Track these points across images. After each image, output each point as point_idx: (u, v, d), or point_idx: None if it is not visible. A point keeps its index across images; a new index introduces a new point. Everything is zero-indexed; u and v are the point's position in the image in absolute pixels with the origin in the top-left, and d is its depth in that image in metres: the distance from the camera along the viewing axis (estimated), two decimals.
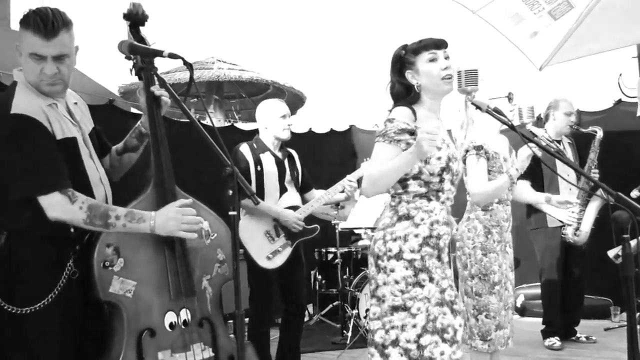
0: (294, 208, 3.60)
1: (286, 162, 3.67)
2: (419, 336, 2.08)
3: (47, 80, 1.99)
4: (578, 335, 4.70)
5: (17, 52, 2.02)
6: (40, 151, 1.94)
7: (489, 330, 2.93)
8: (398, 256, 2.13)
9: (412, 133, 2.14)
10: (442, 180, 2.17)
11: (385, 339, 2.11)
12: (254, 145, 3.61)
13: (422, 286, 2.11)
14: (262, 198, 3.52)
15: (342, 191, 3.60)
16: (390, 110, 2.23)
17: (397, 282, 2.12)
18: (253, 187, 3.51)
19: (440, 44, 2.23)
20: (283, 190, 3.61)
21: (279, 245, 3.52)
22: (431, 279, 2.13)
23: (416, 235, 2.13)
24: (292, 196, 3.66)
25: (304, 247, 3.73)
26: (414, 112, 2.18)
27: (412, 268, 2.11)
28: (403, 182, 2.21)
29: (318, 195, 3.69)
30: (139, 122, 2.34)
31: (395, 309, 2.12)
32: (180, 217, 2.03)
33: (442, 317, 2.13)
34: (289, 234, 3.55)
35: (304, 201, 3.72)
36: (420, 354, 2.07)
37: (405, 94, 2.25)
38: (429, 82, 2.21)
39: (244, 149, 3.57)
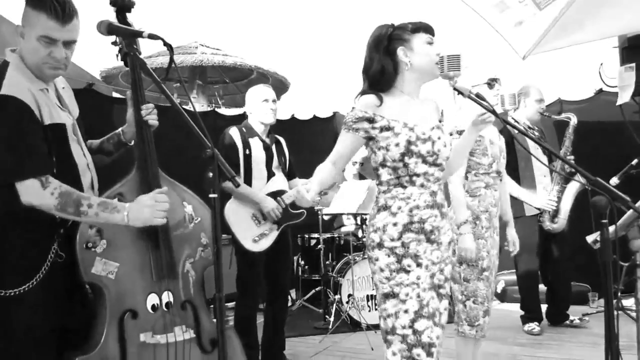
0: (281, 192, 3.64)
1: (274, 147, 3.71)
2: (413, 321, 2.09)
3: (53, 64, 1.99)
4: (571, 318, 4.77)
5: (17, 32, 2.00)
6: (21, 135, 1.91)
7: (477, 316, 2.96)
8: (380, 245, 2.16)
9: (371, 121, 2.15)
10: (406, 165, 2.14)
11: (387, 326, 2.15)
12: (243, 129, 3.64)
13: (407, 272, 2.12)
14: (250, 182, 3.58)
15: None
16: (358, 98, 2.22)
17: (382, 270, 2.15)
18: (241, 170, 3.55)
19: (434, 32, 2.23)
20: (270, 174, 3.65)
21: (265, 229, 3.56)
22: (419, 264, 2.13)
23: (395, 224, 2.14)
24: (279, 181, 3.70)
25: None
26: (380, 98, 2.16)
27: (394, 255, 2.13)
28: (376, 171, 2.24)
29: (300, 183, 3.71)
30: (120, 130, 2.34)
31: (386, 296, 2.14)
32: (153, 203, 2.01)
33: (432, 301, 2.15)
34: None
35: (289, 187, 3.75)
36: (418, 339, 2.08)
37: (379, 75, 2.20)
38: (424, 63, 2.18)
39: (233, 132, 3.60)
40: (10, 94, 1.91)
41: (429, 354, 2.08)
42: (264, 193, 3.58)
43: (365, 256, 2.26)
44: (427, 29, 2.21)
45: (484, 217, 3.01)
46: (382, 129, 2.15)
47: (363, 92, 2.22)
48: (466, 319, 2.97)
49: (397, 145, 2.13)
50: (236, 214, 3.51)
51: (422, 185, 2.17)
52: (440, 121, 2.32)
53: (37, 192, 1.90)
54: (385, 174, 2.19)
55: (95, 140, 2.37)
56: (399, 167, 2.15)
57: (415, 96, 2.27)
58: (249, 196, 3.52)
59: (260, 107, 3.63)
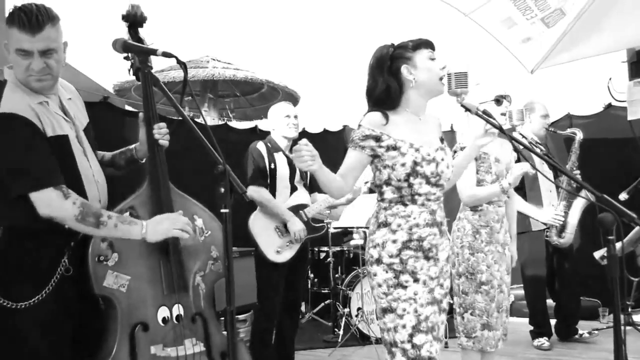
0: (303, 206, 3.72)
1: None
2: (411, 336, 2.11)
3: (35, 75, 1.99)
4: (580, 332, 4.74)
5: (6, 50, 2.01)
6: (30, 148, 1.94)
7: (474, 328, 2.97)
8: (378, 261, 2.19)
9: (378, 139, 2.17)
10: (410, 185, 2.17)
11: (388, 339, 2.17)
12: (268, 144, 3.73)
13: (404, 287, 2.14)
14: (274, 195, 3.66)
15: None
16: (365, 115, 2.24)
17: (379, 285, 2.18)
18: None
19: (434, 47, 2.26)
20: (293, 189, 3.73)
21: (288, 240, 3.61)
22: (416, 280, 2.15)
23: (394, 242, 2.17)
24: (302, 195, 3.77)
25: None
26: (386, 117, 2.18)
27: (392, 271, 2.15)
28: (379, 188, 2.26)
29: (321, 199, 3.80)
30: (133, 147, 2.36)
31: (384, 311, 2.17)
32: (173, 217, 2.07)
33: (433, 316, 2.17)
34: None
35: (311, 202, 3.83)
36: (418, 354, 2.10)
37: (385, 95, 2.21)
38: (428, 79, 2.21)
39: (261, 146, 3.69)
40: (12, 111, 1.94)
41: None
42: (287, 207, 3.65)
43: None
44: (428, 45, 2.24)
45: (484, 231, 3.02)
46: (388, 148, 2.18)
47: (370, 110, 2.25)
48: (463, 331, 2.99)
49: (403, 165, 2.16)
50: (260, 225, 3.58)
51: (422, 204, 2.21)
52: (442, 140, 2.34)
53: (59, 203, 1.93)
54: (389, 192, 2.22)
55: (107, 153, 2.40)
56: (404, 186, 2.18)
57: (421, 114, 2.29)
58: (277, 212, 3.60)
59: (283, 122, 3.73)
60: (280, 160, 3.70)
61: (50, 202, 1.93)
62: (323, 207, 3.75)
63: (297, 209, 3.68)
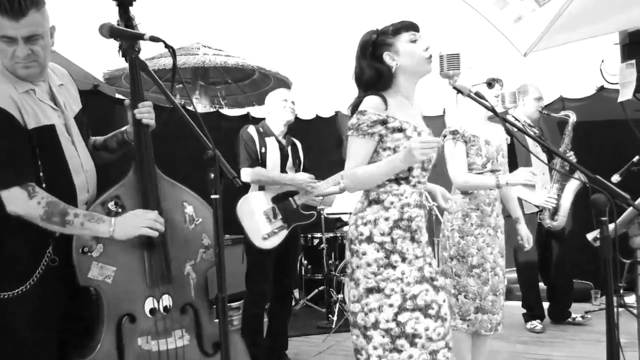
0: (294, 193, 3.70)
1: (289, 149, 3.80)
2: (396, 314, 2.10)
3: (21, 62, 1.94)
4: (573, 316, 4.77)
5: None
6: (2, 144, 1.90)
7: (468, 311, 2.98)
8: (369, 239, 2.15)
9: (385, 123, 2.14)
10: (410, 169, 2.17)
11: (366, 321, 2.13)
12: (260, 129, 3.73)
13: (394, 267, 2.13)
14: None
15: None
16: (360, 99, 2.20)
17: (369, 265, 2.14)
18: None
19: (417, 27, 2.23)
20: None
21: (276, 227, 3.60)
22: (404, 259, 2.14)
23: (386, 219, 2.16)
24: None
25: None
26: (385, 100, 2.15)
27: (383, 250, 2.14)
28: None
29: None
30: (124, 129, 2.31)
31: (369, 290, 2.14)
32: (141, 214, 2.03)
33: (425, 294, 2.14)
34: (286, 216, 3.64)
35: None
36: (402, 331, 2.08)
37: (376, 79, 2.21)
38: (411, 62, 2.19)
39: (251, 129, 3.70)
40: None
41: (413, 344, 2.08)
42: (277, 193, 3.65)
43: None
44: (409, 27, 2.22)
45: (475, 214, 3.02)
46: (394, 130, 2.15)
47: (366, 94, 2.20)
48: (458, 313, 3.00)
49: (405, 147, 2.14)
50: (248, 211, 3.57)
51: (414, 186, 2.21)
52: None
53: (23, 202, 1.90)
54: None
55: (99, 137, 2.36)
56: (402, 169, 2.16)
57: (411, 97, 2.28)
58: (281, 180, 3.63)
59: (280, 105, 3.74)
60: (272, 145, 3.69)
61: (16, 201, 1.90)
62: (314, 194, 3.73)
63: (287, 195, 3.68)
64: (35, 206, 1.90)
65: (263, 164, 3.64)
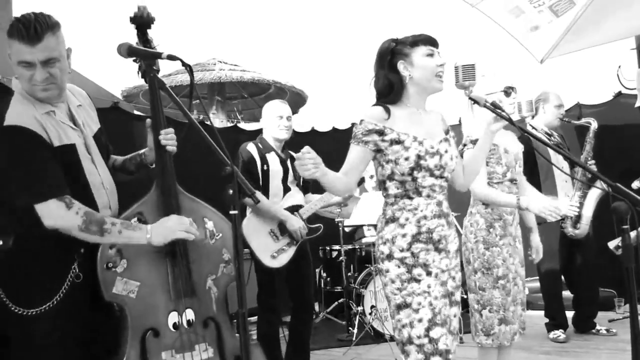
0: (298, 207, 3.64)
1: (288, 162, 3.70)
2: (428, 330, 2.10)
3: (40, 85, 1.98)
4: (598, 327, 4.69)
5: (11, 61, 2.00)
6: (34, 160, 1.94)
7: (492, 325, 2.93)
8: (389, 257, 2.17)
9: (381, 133, 2.15)
10: (414, 179, 2.16)
11: (402, 337, 2.15)
12: (259, 145, 3.64)
13: (418, 281, 2.13)
14: (267, 196, 3.56)
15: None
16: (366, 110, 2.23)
17: (393, 282, 2.16)
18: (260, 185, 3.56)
19: (436, 43, 2.24)
20: (287, 189, 3.65)
21: (284, 244, 3.55)
22: (429, 273, 2.14)
23: (403, 236, 2.16)
24: (295, 195, 3.70)
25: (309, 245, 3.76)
26: (387, 110, 2.17)
27: (404, 265, 2.14)
28: (382, 184, 2.25)
29: (315, 199, 3.74)
30: (142, 151, 2.35)
31: (399, 307, 2.15)
32: (176, 219, 2.06)
33: (445, 309, 2.15)
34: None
35: (305, 202, 3.76)
36: (435, 348, 2.08)
37: (388, 91, 2.23)
38: (422, 76, 2.20)
39: (251, 147, 3.60)
40: (17, 123, 1.93)
41: None
42: (281, 208, 3.58)
43: None
44: (427, 41, 2.23)
45: (498, 224, 2.99)
46: (392, 142, 2.16)
47: (374, 104, 2.24)
48: (482, 329, 2.95)
49: (407, 159, 2.15)
50: (254, 230, 3.51)
51: (428, 196, 2.20)
52: (447, 132, 2.32)
53: (62, 213, 1.93)
54: (393, 188, 2.21)
55: (119, 158, 2.40)
56: (407, 180, 2.17)
57: (422, 108, 2.28)
58: (274, 213, 3.53)
59: (274, 123, 3.63)
60: (273, 160, 3.61)
61: (53, 213, 1.93)
62: (318, 207, 3.69)
63: (292, 210, 3.60)
64: (74, 216, 1.94)
65: (266, 180, 3.56)
